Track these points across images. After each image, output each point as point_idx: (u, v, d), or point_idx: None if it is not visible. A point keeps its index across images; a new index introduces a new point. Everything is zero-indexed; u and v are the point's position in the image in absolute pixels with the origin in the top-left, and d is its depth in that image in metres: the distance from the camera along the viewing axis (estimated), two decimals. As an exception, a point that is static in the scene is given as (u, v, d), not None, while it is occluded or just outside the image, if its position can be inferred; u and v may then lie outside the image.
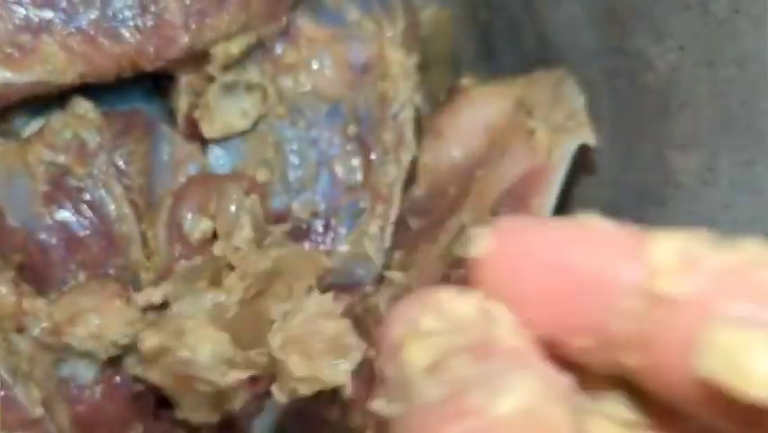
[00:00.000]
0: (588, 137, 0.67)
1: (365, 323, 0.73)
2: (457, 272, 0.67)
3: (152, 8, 0.65)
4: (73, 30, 0.63)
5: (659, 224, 0.64)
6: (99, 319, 0.62)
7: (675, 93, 0.68)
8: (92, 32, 0.63)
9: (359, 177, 0.71)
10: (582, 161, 0.74)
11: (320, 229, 0.71)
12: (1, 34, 0.60)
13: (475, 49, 0.85)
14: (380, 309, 0.71)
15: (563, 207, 0.77)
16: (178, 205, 0.68)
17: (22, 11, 0.61)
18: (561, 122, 0.68)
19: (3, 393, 0.57)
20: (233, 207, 0.67)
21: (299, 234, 0.70)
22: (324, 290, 0.68)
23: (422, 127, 0.76)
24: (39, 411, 0.59)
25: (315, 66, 0.73)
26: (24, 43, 0.61)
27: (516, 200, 0.67)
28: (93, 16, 0.63)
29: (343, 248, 0.71)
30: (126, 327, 0.63)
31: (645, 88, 0.70)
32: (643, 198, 0.71)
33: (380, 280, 0.72)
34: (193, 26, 0.66)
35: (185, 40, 0.66)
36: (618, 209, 0.72)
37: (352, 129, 0.72)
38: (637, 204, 0.72)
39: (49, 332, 0.61)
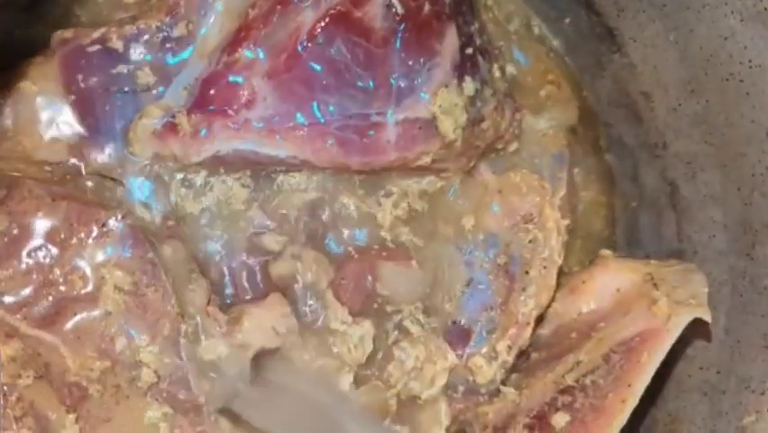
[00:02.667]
0: (705, 315, 0.77)
1: (472, 428, 0.83)
2: (564, 398, 0.77)
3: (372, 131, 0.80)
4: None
5: (758, 410, 0.73)
6: (260, 310, 0.75)
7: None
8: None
9: (500, 301, 0.84)
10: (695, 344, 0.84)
11: (457, 335, 0.83)
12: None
13: (622, 232, 0.97)
14: (489, 419, 0.81)
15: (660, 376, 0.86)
16: (341, 271, 0.82)
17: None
18: (683, 298, 0.79)
19: (180, 373, 0.70)
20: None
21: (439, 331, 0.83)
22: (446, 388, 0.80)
23: (560, 281, 0.88)
24: (202, 399, 0.71)
25: (485, 205, 0.87)
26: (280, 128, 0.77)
27: (628, 351, 0.77)
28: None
29: (471, 356, 0.82)
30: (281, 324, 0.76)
31: (765, 291, 0.80)
32: (746, 385, 0.79)
33: (495, 393, 0.83)
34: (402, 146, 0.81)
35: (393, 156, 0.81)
36: (723, 392, 0.81)
37: (502, 259, 0.84)
38: (737, 389, 0.80)
39: (222, 335, 0.74)
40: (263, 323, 0.74)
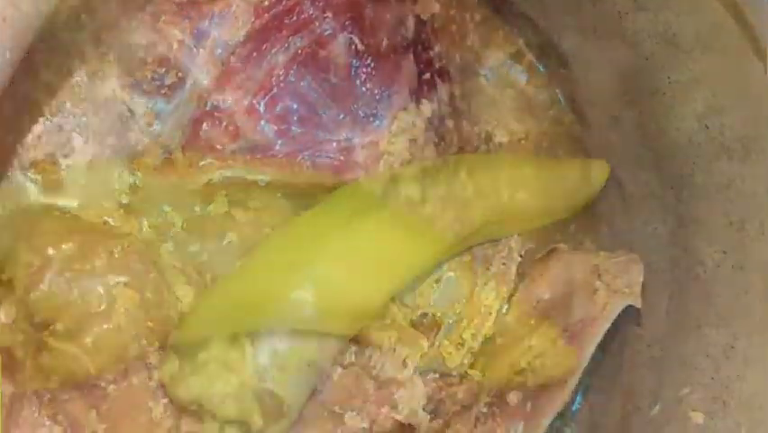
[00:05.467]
0: (636, 302, 0.88)
1: (445, 405, 0.95)
2: (519, 379, 0.89)
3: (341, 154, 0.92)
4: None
5: (691, 383, 0.84)
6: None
7: (717, 288, 0.88)
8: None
9: (464, 294, 0.95)
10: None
11: (428, 326, 0.95)
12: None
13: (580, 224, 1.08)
14: (459, 398, 0.93)
15: (619, 352, 0.97)
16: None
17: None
18: (619, 288, 0.90)
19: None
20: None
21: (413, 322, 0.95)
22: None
23: (521, 273, 0.99)
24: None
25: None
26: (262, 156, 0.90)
27: (571, 336, 0.88)
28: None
29: (441, 343, 0.94)
30: None
31: (697, 278, 0.90)
32: (682, 361, 0.90)
33: (465, 375, 0.95)
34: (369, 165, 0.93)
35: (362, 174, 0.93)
36: (665, 366, 0.92)
37: (467, 257, 0.96)
38: (675, 364, 0.91)
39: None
40: None
